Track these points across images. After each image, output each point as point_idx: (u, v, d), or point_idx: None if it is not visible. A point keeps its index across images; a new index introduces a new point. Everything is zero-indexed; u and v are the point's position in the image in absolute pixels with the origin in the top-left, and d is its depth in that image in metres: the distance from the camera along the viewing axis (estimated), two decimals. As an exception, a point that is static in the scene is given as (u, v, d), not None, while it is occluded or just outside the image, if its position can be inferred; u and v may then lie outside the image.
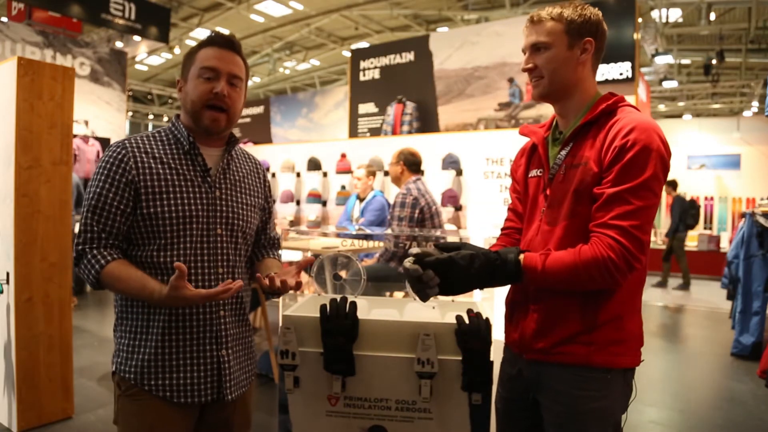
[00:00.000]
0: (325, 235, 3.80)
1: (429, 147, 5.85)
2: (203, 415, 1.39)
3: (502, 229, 1.53)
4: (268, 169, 7.17)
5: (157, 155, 1.33)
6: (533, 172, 1.39)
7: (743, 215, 4.93)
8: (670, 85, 13.35)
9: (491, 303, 2.48)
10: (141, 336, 1.32)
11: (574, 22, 1.25)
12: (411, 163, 3.88)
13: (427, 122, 7.84)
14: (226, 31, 13.01)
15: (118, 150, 1.32)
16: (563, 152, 1.28)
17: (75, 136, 7.26)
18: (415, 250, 1.17)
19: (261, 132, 12.76)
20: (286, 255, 2.97)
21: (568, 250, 1.17)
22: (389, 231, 3.72)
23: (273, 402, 2.97)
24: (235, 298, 1.42)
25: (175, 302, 1.22)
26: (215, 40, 1.36)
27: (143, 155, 1.32)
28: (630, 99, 6.85)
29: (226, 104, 1.34)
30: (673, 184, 8.54)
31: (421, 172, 5.76)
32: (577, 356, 1.22)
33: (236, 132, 1.54)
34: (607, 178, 1.17)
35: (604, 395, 1.23)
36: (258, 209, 1.51)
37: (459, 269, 1.15)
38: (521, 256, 1.18)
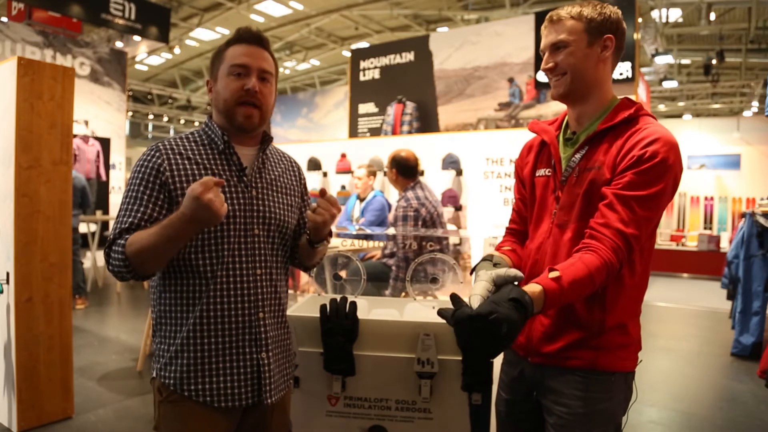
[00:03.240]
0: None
1: (429, 147, 5.85)
2: (242, 418, 1.37)
3: (507, 228, 1.52)
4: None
5: (191, 156, 1.31)
6: (541, 172, 1.36)
7: (743, 215, 4.92)
8: (670, 85, 13.35)
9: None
10: (181, 341, 1.29)
11: (594, 20, 1.25)
12: (404, 169, 3.70)
13: (427, 122, 7.85)
14: (226, 30, 13.03)
15: (152, 153, 1.30)
16: (578, 155, 1.27)
17: (75, 136, 7.27)
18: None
19: (261, 132, 12.74)
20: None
21: (575, 264, 1.12)
22: (390, 231, 3.71)
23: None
24: (275, 300, 1.40)
25: (197, 209, 1.12)
26: (243, 37, 1.34)
27: (177, 157, 1.30)
28: (630, 99, 6.82)
29: (258, 100, 1.32)
30: None
31: (420, 173, 5.78)
32: (585, 360, 1.23)
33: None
34: (618, 181, 1.17)
35: (608, 397, 1.24)
36: (296, 208, 1.48)
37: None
38: (538, 288, 1.08)
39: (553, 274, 1.10)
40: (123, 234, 1.24)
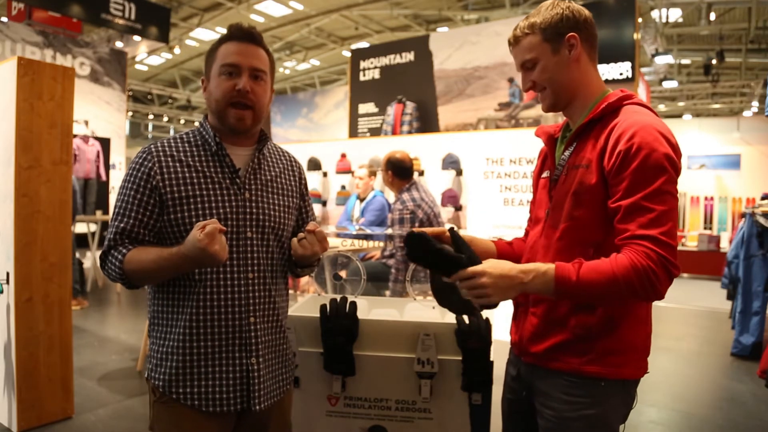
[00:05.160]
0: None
1: (429, 147, 5.84)
2: (238, 422, 1.35)
3: (525, 230, 1.51)
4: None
5: (182, 158, 1.30)
6: (544, 174, 1.37)
7: (743, 215, 4.92)
8: (670, 85, 13.36)
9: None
10: (170, 343, 1.29)
11: (549, 25, 1.21)
12: (399, 171, 3.70)
13: (427, 122, 7.84)
14: (226, 30, 13.01)
15: (143, 156, 1.30)
16: (567, 152, 1.26)
17: (75, 136, 7.26)
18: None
19: (261, 132, 12.78)
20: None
21: (603, 259, 1.10)
22: (389, 232, 3.71)
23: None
24: (269, 305, 1.37)
25: (202, 258, 1.14)
26: (235, 35, 1.32)
27: (168, 159, 1.29)
28: (630, 99, 6.78)
29: (250, 101, 1.30)
30: None
31: (420, 173, 5.78)
32: (570, 364, 1.20)
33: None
34: (618, 187, 1.11)
35: (597, 402, 1.19)
36: (294, 209, 1.46)
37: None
38: (552, 267, 1.10)
39: (575, 263, 1.11)
40: (117, 240, 1.28)
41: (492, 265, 1.11)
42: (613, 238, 1.14)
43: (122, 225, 1.28)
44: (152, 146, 1.31)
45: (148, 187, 1.27)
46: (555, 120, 5.94)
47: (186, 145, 1.33)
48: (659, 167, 1.09)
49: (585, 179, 1.18)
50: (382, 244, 3.94)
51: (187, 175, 1.29)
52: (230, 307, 1.30)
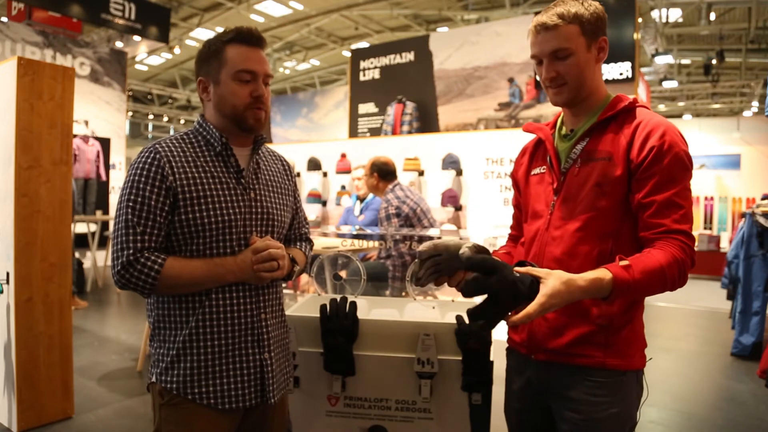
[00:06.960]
0: (325, 235, 3.80)
1: (429, 147, 5.85)
2: (243, 418, 1.36)
3: (509, 234, 1.52)
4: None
5: (190, 159, 1.29)
6: (536, 170, 1.36)
7: (743, 215, 4.92)
8: (670, 85, 13.37)
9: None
10: (182, 344, 1.27)
11: (589, 21, 1.20)
12: (385, 173, 3.85)
13: (427, 122, 7.84)
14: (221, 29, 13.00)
15: (153, 155, 1.26)
16: (579, 146, 1.26)
17: (75, 136, 7.26)
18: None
19: (261, 132, 12.80)
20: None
21: (645, 255, 1.11)
22: (378, 231, 3.73)
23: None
24: (276, 301, 1.41)
25: (250, 278, 1.30)
26: (246, 38, 1.31)
27: (178, 159, 1.27)
28: (630, 99, 6.79)
29: (265, 105, 1.34)
30: None
31: (420, 173, 5.79)
32: (594, 358, 1.20)
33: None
34: (648, 182, 1.15)
35: (621, 399, 1.20)
36: (290, 207, 1.48)
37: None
38: (607, 275, 1.07)
39: (623, 263, 1.09)
40: (145, 245, 1.23)
41: (558, 295, 1.04)
42: (627, 228, 1.20)
43: (147, 229, 1.23)
44: (157, 146, 1.28)
45: (163, 187, 1.24)
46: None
47: (189, 145, 1.32)
48: (686, 166, 1.17)
49: (608, 171, 1.20)
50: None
51: (197, 174, 1.28)
52: (243, 305, 1.32)
